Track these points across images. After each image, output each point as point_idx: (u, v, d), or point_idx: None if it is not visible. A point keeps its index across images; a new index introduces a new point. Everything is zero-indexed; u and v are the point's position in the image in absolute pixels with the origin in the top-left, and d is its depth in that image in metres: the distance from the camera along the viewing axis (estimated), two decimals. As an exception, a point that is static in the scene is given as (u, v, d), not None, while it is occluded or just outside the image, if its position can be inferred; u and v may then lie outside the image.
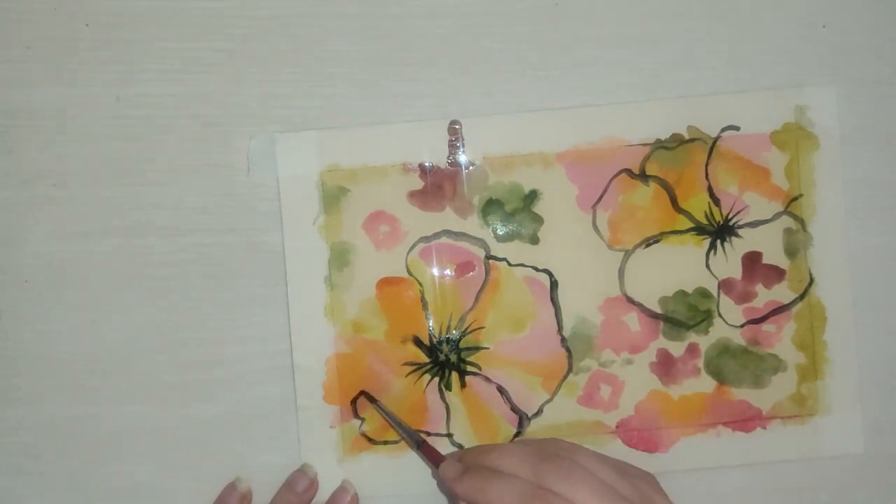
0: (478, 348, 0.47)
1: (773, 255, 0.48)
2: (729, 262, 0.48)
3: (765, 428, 0.48)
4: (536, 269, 0.47)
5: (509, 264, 0.47)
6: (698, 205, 0.48)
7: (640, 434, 0.48)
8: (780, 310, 0.48)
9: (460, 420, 0.47)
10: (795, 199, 0.48)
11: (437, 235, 0.47)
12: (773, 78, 0.48)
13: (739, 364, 0.48)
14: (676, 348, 0.48)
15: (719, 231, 0.48)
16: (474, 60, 0.47)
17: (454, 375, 0.47)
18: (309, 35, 0.47)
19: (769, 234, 0.48)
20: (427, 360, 0.47)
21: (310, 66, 0.47)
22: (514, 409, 0.47)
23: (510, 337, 0.47)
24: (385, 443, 0.47)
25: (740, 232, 0.48)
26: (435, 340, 0.47)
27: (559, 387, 0.47)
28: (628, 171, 0.47)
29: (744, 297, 0.48)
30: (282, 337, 0.47)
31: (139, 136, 0.47)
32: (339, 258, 0.47)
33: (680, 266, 0.48)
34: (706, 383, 0.48)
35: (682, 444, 0.47)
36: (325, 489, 0.47)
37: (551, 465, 0.40)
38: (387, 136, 0.47)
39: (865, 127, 0.48)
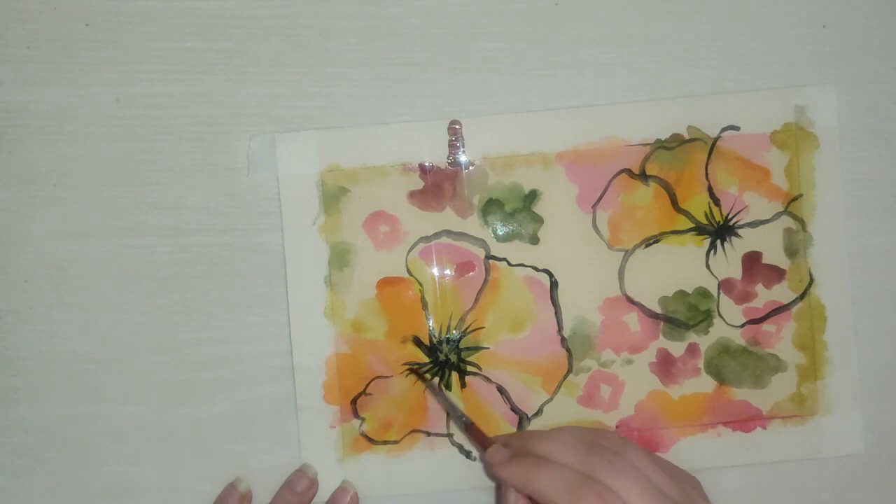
0: (478, 348, 0.47)
1: (773, 255, 0.48)
2: (729, 262, 0.48)
3: (765, 428, 0.48)
4: (536, 269, 0.47)
5: (509, 264, 0.47)
6: (698, 205, 0.48)
7: (641, 434, 0.48)
8: (780, 310, 0.48)
9: (460, 420, 0.47)
10: (795, 199, 0.48)
11: (437, 235, 0.47)
12: (773, 78, 0.48)
13: (739, 364, 0.48)
14: (676, 348, 0.48)
15: (719, 231, 0.48)
16: (474, 60, 0.47)
17: (454, 375, 0.47)
18: (309, 35, 0.47)
19: (769, 234, 0.48)
20: (427, 360, 0.47)
21: (310, 66, 0.47)
22: (514, 409, 0.47)
23: (510, 337, 0.47)
24: (385, 443, 0.47)
25: (740, 232, 0.48)
26: (435, 340, 0.47)
27: (559, 387, 0.47)
28: (628, 171, 0.47)
29: (744, 297, 0.48)
30: (282, 337, 0.47)
31: (139, 136, 0.47)
32: (339, 258, 0.47)
33: (680, 266, 0.48)
34: (706, 383, 0.48)
35: (683, 444, 0.47)
36: (325, 489, 0.47)
37: (602, 459, 0.40)
38: (387, 136, 0.47)
39: (865, 127, 0.48)
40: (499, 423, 0.47)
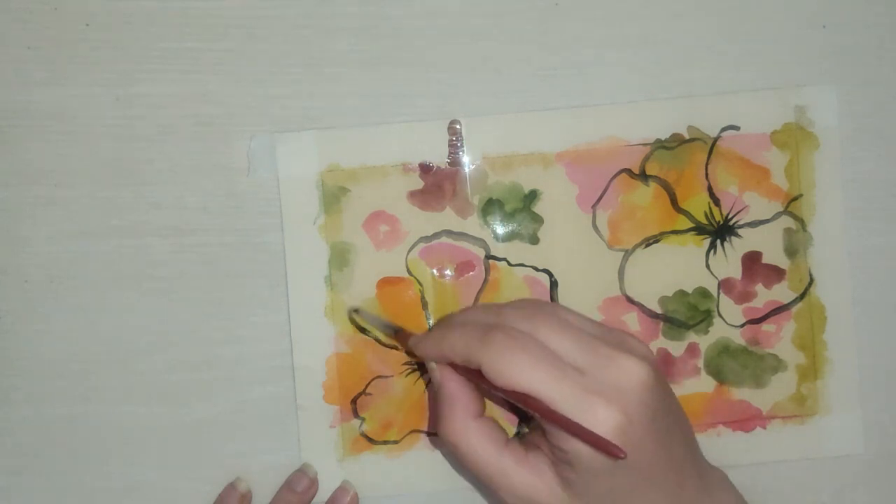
0: (478, 348, 0.47)
1: (773, 254, 0.48)
2: (729, 262, 0.48)
3: (765, 428, 0.48)
4: (536, 269, 0.47)
5: (509, 264, 0.47)
6: (698, 205, 0.48)
7: (640, 434, 0.47)
8: (779, 310, 0.48)
9: (460, 420, 0.47)
10: (795, 198, 0.48)
11: (437, 235, 0.47)
12: (773, 78, 0.48)
13: (739, 364, 0.48)
14: (676, 348, 0.48)
15: (719, 231, 0.48)
16: (474, 60, 0.47)
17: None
18: (309, 35, 0.47)
19: (769, 234, 0.48)
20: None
21: (310, 66, 0.47)
22: (514, 408, 0.47)
23: (510, 337, 0.47)
24: (385, 443, 0.47)
25: (740, 232, 0.48)
26: (435, 340, 0.47)
27: (559, 387, 0.47)
28: (628, 171, 0.47)
29: (744, 297, 0.48)
30: (282, 337, 0.47)
31: (139, 136, 0.47)
32: (339, 258, 0.47)
33: (680, 266, 0.48)
34: (706, 383, 0.48)
35: (682, 444, 0.47)
36: (325, 489, 0.47)
37: (513, 309, 0.40)
38: (387, 136, 0.47)
39: (865, 127, 0.48)
40: (499, 422, 0.47)
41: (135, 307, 0.47)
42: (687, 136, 0.47)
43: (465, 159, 0.47)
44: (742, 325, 0.48)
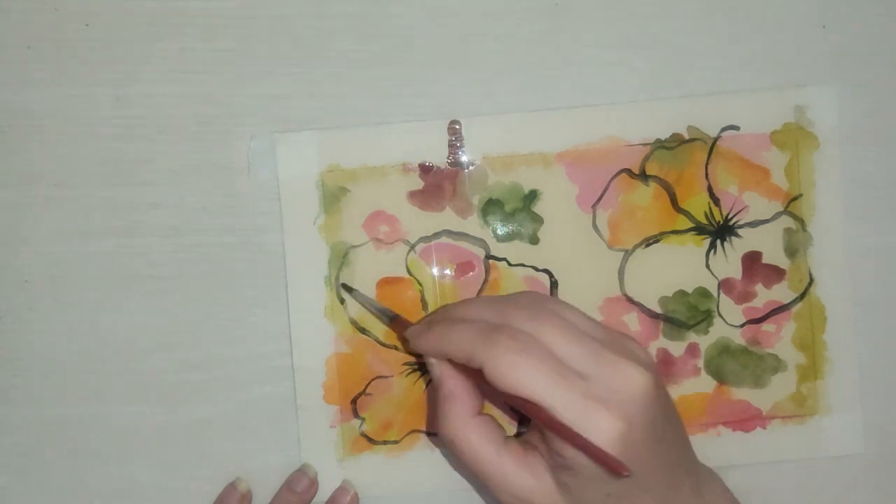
0: (478, 348, 0.47)
1: (773, 254, 0.48)
2: (729, 261, 0.48)
3: (765, 428, 0.48)
4: (536, 269, 0.47)
5: (509, 264, 0.47)
6: (698, 205, 0.48)
7: (640, 434, 0.47)
8: (779, 310, 0.48)
9: (460, 420, 0.47)
10: (795, 198, 0.48)
11: (437, 235, 0.47)
12: (773, 78, 0.48)
13: (739, 364, 0.48)
14: (676, 348, 0.48)
15: (719, 231, 0.48)
16: (474, 60, 0.47)
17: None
18: (309, 35, 0.47)
19: (769, 234, 0.48)
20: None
21: (310, 66, 0.47)
22: (514, 408, 0.47)
23: (510, 337, 0.47)
24: (385, 443, 0.47)
25: (740, 232, 0.48)
26: (435, 340, 0.47)
27: (559, 387, 0.47)
28: (628, 171, 0.47)
29: (744, 297, 0.48)
30: (282, 337, 0.47)
31: (139, 136, 0.47)
32: (339, 258, 0.47)
33: (680, 266, 0.48)
34: (706, 383, 0.48)
35: (682, 444, 0.47)
36: (325, 489, 0.47)
37: (516, 307, 0.39)
38: (387, 136, 0.47)
39: (865, 127, 0.48)
40: (499, 421, 0.47)
41: (135, 307, 0.47)
42: (687, 136, 0.47)
43: (465, 159, 0.47)
44: (742, 325, 0.48)
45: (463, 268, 0.47)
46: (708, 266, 0.48)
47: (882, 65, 0.48)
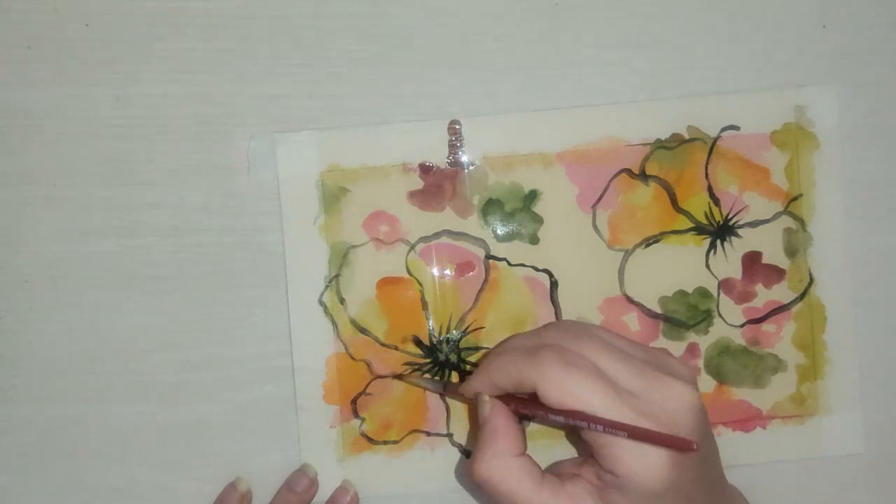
0: (478, 348, 0.47)
1: (773, 254, 0.48)
2: (729, 261, 0.48)
3: (765, 428, 0.48)
4: (536, 269, 0.47)
5: (509, 264, 0.47)
6: (698, 205, 0.48)
7: (640, 434, 0.48)
8: (779, 310, 0.48)
9: (460, 420, 0.47)
10: (795, 198, 0.48)
11: (437, 235, 0.47)
12: (773, 78, 0.48)
13: (739, 364, 0.48)
14: (676, 348, 0.48)
15: (719, 231, 0.48)
16: (474, 60, 0.47)
17: (454, 375, 0.47)
18: (309, 35, 0.47)
19: (769, 234, 0.48)
20: (427, 360, 0.47)
21: (310, 66, 0.47)
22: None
23: (510, 337, 0.47)
24: (385, 443, 0.47)
25: (740, 232, 0.48)
26: (435, 340, 0.47)
27: (559, 387, 0.47)
28: (628, 171, 0.47)
29: (744, 297, 0.48)
30: (282, 337, 0.47)
31: (139, 136, 0.47)
32: (339, 258, 0.47)
33: (680, 266, 0.48)
34: (706, 383, 0.48)
35: (682, 444, 0.47)
36: (325, 489, 0.47)
37: (557, 330, 0.40)
38: (387, 136, 0.47)
39: (865, 127, 0.48)
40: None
41: (135, 307, 0.47)
42: (687, 136, 0.47)
43: (466, 159, 0.47)
44: (742, 325, 0.48)
45: (463, 268, 0.47)
46: (708, 266, 0.48)
47: (882, 65, 0.48)
